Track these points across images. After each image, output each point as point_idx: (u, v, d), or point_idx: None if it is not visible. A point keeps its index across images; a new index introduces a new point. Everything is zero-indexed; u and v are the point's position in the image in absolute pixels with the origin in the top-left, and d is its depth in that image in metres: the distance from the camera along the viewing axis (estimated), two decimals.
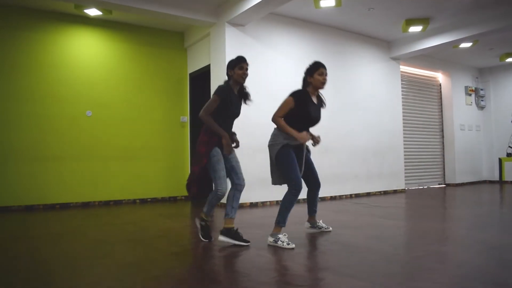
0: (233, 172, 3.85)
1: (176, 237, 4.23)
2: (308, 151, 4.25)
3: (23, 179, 6.63)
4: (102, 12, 6.67)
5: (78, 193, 7.07)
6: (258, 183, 6.46)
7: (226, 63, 6.54)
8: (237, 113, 3.89)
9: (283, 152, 3.84)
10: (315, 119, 4.06)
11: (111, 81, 7.48)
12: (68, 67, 7.09)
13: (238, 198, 3.87)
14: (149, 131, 7.81)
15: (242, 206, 6.59)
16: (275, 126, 3.97)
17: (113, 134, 7.42)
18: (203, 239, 3.92)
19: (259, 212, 6.07)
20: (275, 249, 3.60)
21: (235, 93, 3.83)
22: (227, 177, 3.80)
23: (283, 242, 3.63)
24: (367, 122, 8.55)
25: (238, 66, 3.76)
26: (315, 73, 3.95)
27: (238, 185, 3.85)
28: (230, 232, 3.76)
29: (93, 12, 6.71)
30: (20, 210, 6.52)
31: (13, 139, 6.59)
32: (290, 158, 3.85)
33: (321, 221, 4.45)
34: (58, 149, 6.92)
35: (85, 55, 7.27)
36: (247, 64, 3.80)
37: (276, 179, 4.02)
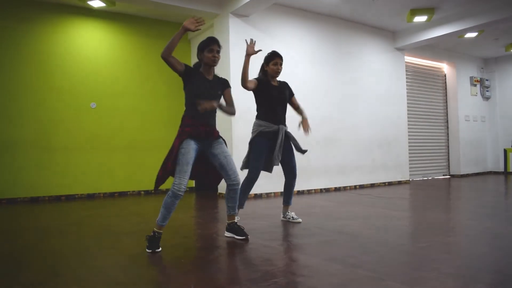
0: (223, 170, 3.46)
1: (181, 228, 4.24)
2: (293, 140, 4.34)
3: (29, 171, 6.67)
4: (105, 3, 6.65)
5: (83, 185, 7.11)
6: (262, 175, 6.45)
7: (230, 54, 6.59)
8: (208, 98, 3.32)
9: (256, 141, 4.16)
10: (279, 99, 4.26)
11: (115, 73, 7.48)
12: (73, 59, 7.09)
13: (234, 198, 3.59)
14: (153, 123, 7.82)
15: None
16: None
17: (117, 125, 7.43)
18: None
19: (263, 203, 6.08)
20: (281, 240, 3.61)
21: (205, 78, 3.45)
22: (219, 175, 3.55)
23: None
24: (372, 113, 8.52)
25: (207, 48, 3.43)
26: (270, 63, 4.20)
27: (230, 185, 3.51)
28: (233, 228, 3.68)
29: (96, 3, 6.70)
30: (25, 202, 6.56)
31: (18, 131, 6.61)
32: (259, 148, 4.14)
33: (292, 213, 4.49)
34: (63, 141, 6.94)
35: (89, 46, 7.27)
36: (218, 46, 3.47)
37: (244, 164, 4.31)
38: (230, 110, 3.54)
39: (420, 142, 10.24)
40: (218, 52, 3.46)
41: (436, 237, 3.54)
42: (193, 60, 8.17)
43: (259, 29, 6.96)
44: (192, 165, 3.30)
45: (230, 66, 6.60)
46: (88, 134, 7.17)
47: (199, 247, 3.49)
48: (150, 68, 7.83)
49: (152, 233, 3.28)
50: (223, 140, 3.55)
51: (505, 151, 10.86)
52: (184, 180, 3.23)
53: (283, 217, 4.53)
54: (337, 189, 7.79)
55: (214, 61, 3.44)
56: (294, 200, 6.33)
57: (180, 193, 3.25)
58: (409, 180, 9.26)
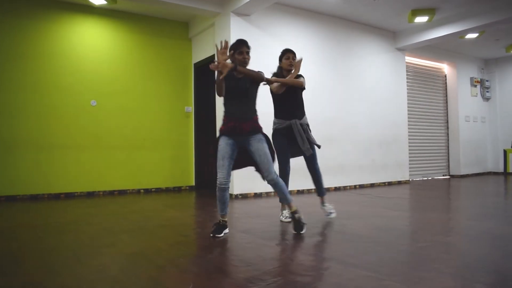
0: (259, 169, 3.68)
1: (180, 227, 4.23)
2: (307, 134, 4.42)
3: (28, 169, 6.66)
4: (106, 1, 6.64)
5: (82, 183, 7.10)
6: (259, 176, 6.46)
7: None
8: (239, 92, 3.59)
9: (273, 138, 4.30)
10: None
11: (116, 71, 7.47)
12: (73, 57, 7.08)
13: (278, 191, 3.73)
14: (154, 121, 7.81)
15: (246, 196, 6.60)
16: None
17: (117, 123, 7.43)
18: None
19: (264, 202, 6.07)
20: (280, 239, 3.61)
21: (234, 76, 3.63)
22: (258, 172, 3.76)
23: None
24: (372, 112, 8.51)
25: (237, 51, 3.62)
26: (283, 58, 4.44)
27: (268, 181, 3.66)
28: (293, 218, 3.78)
29: (97, 1, 6.68)
30: (25, 199, 6.55)
31: (18, 128, 6.60)
32: (277, 144, 4.28)
33: (328, 205, 4.68)
34: (63, 139, 6.94)
35: (90, 44, 7.26)
36: (247, 48, 3.64)
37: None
38: (252, 72, 3.62)
39: (420, 142, 10.24)
40: (248, 53, 3.66)
41: (435, 237, 3.54)
42: (194, 57, 8.19)
43: (260, 28, 6.95)
44: (232, 159, 3.61)
45: None
46: (88, 132, 7.16)
47: (198, 246, 3.48)
48: (151, 67, 7.82)
49: (218, 221, 3.73)
50: (264, 135, 3.66)
51: (505, 151, 10.86)
52: (222, 174, 3.54)
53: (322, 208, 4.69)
54: (337, 189, 7.79)
55: (245, 62, 3.63)
56: (295, 198, 6.37)
57: (222, 185, 3.57)
58: (409, 180, 9.26)
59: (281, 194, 3.76)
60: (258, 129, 3.62)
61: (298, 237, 3.60)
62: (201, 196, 7.09)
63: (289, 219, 4.31)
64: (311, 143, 4.41)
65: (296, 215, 3.76)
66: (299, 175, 7.35)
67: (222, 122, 3.63)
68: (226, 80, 3.56)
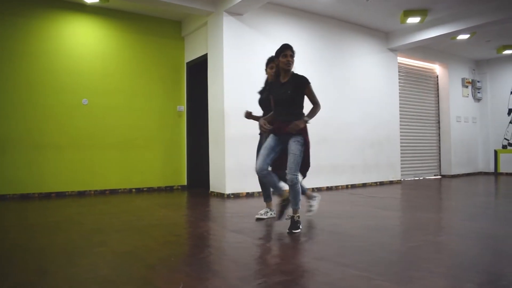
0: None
1: (172, 226, 4.22)
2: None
3: (19, 168, 6.61)
4: None
5: (74, 182, 7.05)
6: (253, 173, 6.45)
7: (223, 52, 6.58)
8: (281, 99, 3.85)
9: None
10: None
11: (108, 70, 7.43)
12: (64, 55, 7.03)
13: (292, 191, 3.77)
14: (146, 120, 7.78)
15: (238, 196, 6.59)
16: None
17: (109, 123, 7.38)
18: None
19: (255, 202, 6.07)
20: (271, 238, 3.61)
21: (278, 81, 3.90)
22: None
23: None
24: (364, 113, 8.54)
25: (282, 54, 3.80)
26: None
27: (287, 180, 3.75)
28: (291, 220, 3.81)
29: None
30: (15, 199, 6.50)
31: (8, 127, 6.54)
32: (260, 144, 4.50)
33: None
34: (54, 138, 6.88)
35: (82, 43, 7.21)
36: (291, 51, 3.81)
37: None
38: (310, 114, 3.85)
39: (412, 142, 10.29)
40: (292, 56, 3.83)
41: (426, 237, 3.56)
42: (187, 56, 8.17)
43: (253, 28, 6.94)
44: (273, 150, 3.86)
45: (224, 64, 6.57)
46: (80, 131, 7.11)
47: (190, 245, 3.48)
48: (143, 66, 7.79)
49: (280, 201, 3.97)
50: (303, 138, 3.79)
51: (495, 152, 10.95)
52: (257, 164, 3.85)
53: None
54: (329, 188, 7.80)
55: (288, 65, 3.80)
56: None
57: (259, 174, 3.88)
58: (400, 180, 9.31)
59: (294, 198, 3.79)
60: (299, 132, 3.75)
61: (290, 236, 3.61)
62: (193, 195, 7.08)
63: (267, 215, 4.44)
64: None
65: (296, 218, 3.81)
66: None
67: (272, 123, 3.92)
68: (272, 89, 3.94)
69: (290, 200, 3.83)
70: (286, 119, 3.77)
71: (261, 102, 4.51)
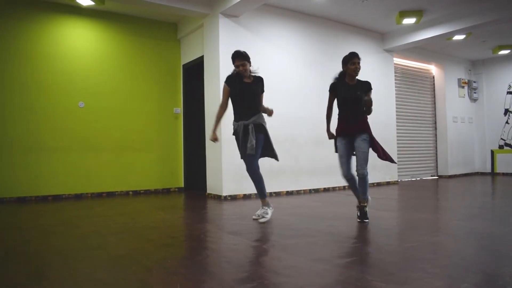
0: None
1: (169, 229, 4.22)
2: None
3: (16, 171, 6.59)
4: (94, 1, 6.57)
5: (70, 185, 7.04)
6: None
7: (220, 54, 6.58)
8: (350, 99, 4.38)
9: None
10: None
11: (104, 72, 7.42)
12: (60, 58, 7.02)
13: (361, 185, 4.31)
14: (142, 123, 7.77)
15: (235, 198, 6.59)
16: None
17: (106, 125, 7.37)
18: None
19: (252, 203, 6.07)
20: (268, 240, 3.61)
21: (348, 84, 4.42)
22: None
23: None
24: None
25: (350, 62, 4.31)
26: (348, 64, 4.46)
27: (357, 174, 4.30)
28: (361, 211, 4.32)
29: (85, 1, 6.61)
30: (12, 202, 6.48)
31: (5, 130, 6.53)
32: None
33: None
34: (50, 141, 6.87)
35: (78, 45, 7.20)
36: (358, 59, 4.32)
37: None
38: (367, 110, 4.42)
39: (409, 143, 10.31)
40: (359, 63, 4.36)
41: (423, 237, 3.57)
42: (183, 58, 8.16)
43: (249, 30, 6.95)
44: (349, 156, 4.40)
45: (220, 66, 6.58)
46: (76, 133, 7.10)
47: (187, 247, 3.47)
48: (139, 68, 7.78)
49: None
50: (369, 135, 4.30)
51: (492, 152, 10.98)
52: (342, 169, 4.44)
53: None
54: (326, 190, 7.81)
55: (355, 71, 4.36)
56: (283, 200, 6.35)
57: (345, 178, 4.44)
58: (397, 181, 9.32)
59: (362, 189, 4.31)
60: (365, 130, 4.30)
61: (285, 238, 3.61)
62: (190, 197, 7.07)
63: (263, 217, 4.43)
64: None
65: (365, 208, 4.33)
66: (286, 176, 7.37)
67: (337, 124, 4.50)
68: (342, 92, 4.41)
69: (360, 191, 4.34)
70: (350, 119, 4.34)
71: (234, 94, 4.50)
